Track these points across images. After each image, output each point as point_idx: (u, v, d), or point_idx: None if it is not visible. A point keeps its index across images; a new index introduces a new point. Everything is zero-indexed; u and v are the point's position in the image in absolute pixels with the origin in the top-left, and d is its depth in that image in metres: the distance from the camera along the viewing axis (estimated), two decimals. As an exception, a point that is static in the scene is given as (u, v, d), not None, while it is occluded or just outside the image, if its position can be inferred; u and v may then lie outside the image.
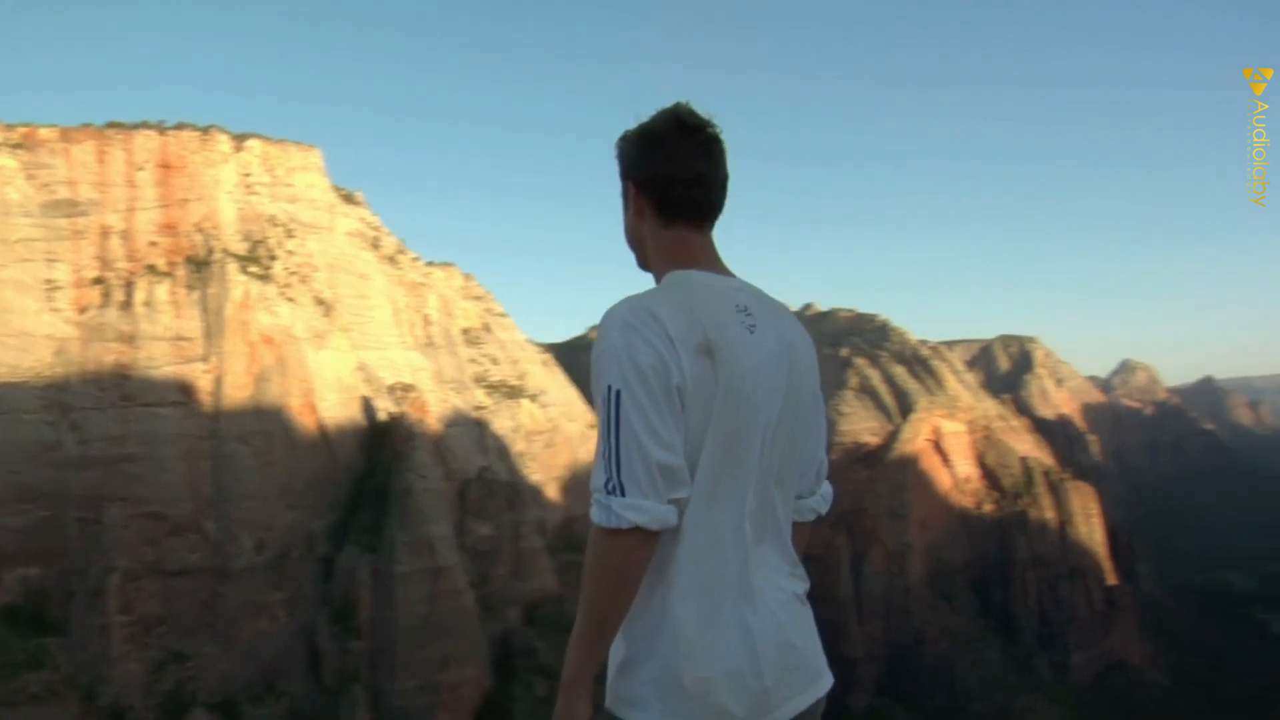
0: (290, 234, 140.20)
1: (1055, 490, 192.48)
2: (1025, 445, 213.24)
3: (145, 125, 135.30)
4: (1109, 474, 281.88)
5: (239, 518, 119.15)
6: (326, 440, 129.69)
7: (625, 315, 4.56)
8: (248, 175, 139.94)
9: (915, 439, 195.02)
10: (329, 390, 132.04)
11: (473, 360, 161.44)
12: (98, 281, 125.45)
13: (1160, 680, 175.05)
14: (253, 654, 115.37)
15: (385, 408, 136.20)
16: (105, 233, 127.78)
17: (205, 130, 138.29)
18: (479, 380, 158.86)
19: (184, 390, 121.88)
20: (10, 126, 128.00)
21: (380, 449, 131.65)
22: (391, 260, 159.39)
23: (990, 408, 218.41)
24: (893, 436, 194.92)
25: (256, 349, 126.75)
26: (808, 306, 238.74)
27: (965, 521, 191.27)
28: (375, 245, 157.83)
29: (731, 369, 4.57)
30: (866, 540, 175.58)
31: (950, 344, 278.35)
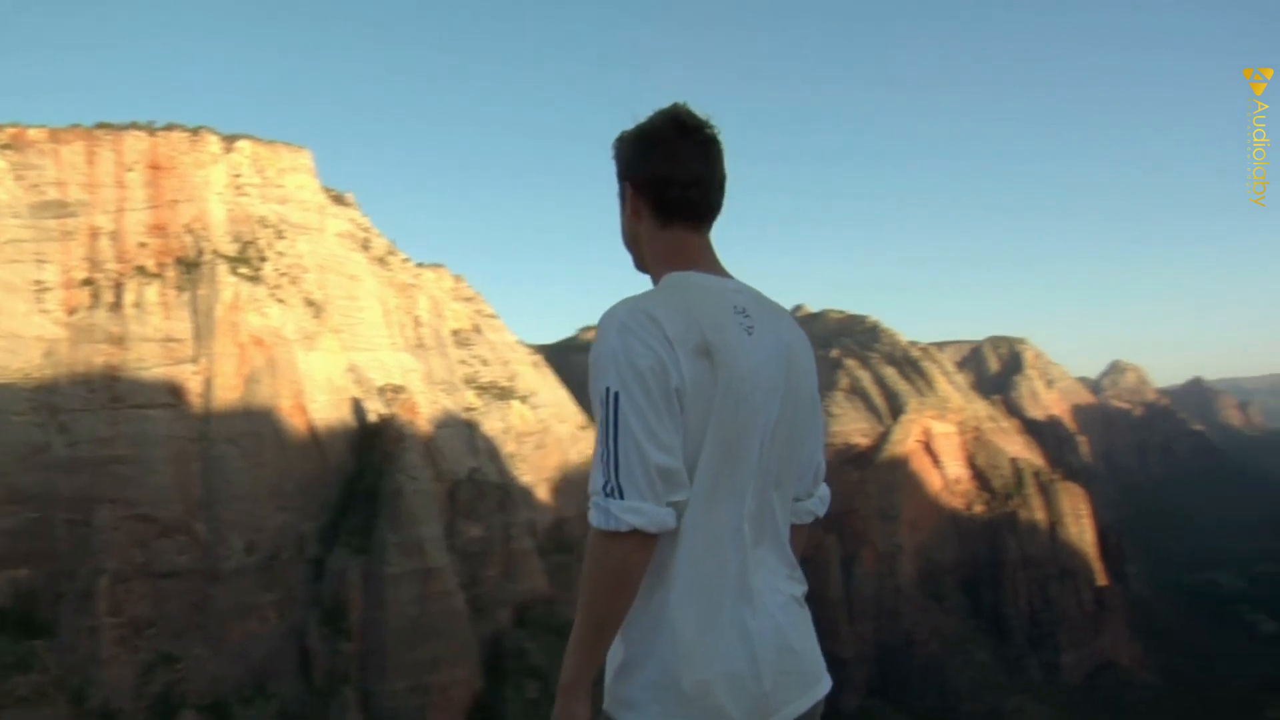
0: (280, 235, 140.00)
1: (1045, 491, 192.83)
2: (1015, 446, 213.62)
3: (135, 126, 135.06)
4: (1099, 475, 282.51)
5: (229, 519, 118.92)
6: (317, 442, 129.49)
7: (623, 317, 4.53)
8: (238, 176, 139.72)
9: (906, 440, 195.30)
10: (319, 391, 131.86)
11: (463, 361, 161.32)
12: (87, 283, 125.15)
13: (1150, 680, 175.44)
14: (243, 656, 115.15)
15: (375, 409, 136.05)
16: (94, 234, 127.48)
17: (195, 131, 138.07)
18: (469, 381, 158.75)
19: (174, 392, 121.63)
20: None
21: (370, 450, 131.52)
22: (382, 261, 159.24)
23: (980, 409, 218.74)
24: (883, 438, 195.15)
25: (246, 350, 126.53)
26: (798, 308, 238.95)
27: (956, 522, 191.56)
28: (365, 246, 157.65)
29: (730, 371, 4.55)
30: (857, 541, 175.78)
31: (940, 345, 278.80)
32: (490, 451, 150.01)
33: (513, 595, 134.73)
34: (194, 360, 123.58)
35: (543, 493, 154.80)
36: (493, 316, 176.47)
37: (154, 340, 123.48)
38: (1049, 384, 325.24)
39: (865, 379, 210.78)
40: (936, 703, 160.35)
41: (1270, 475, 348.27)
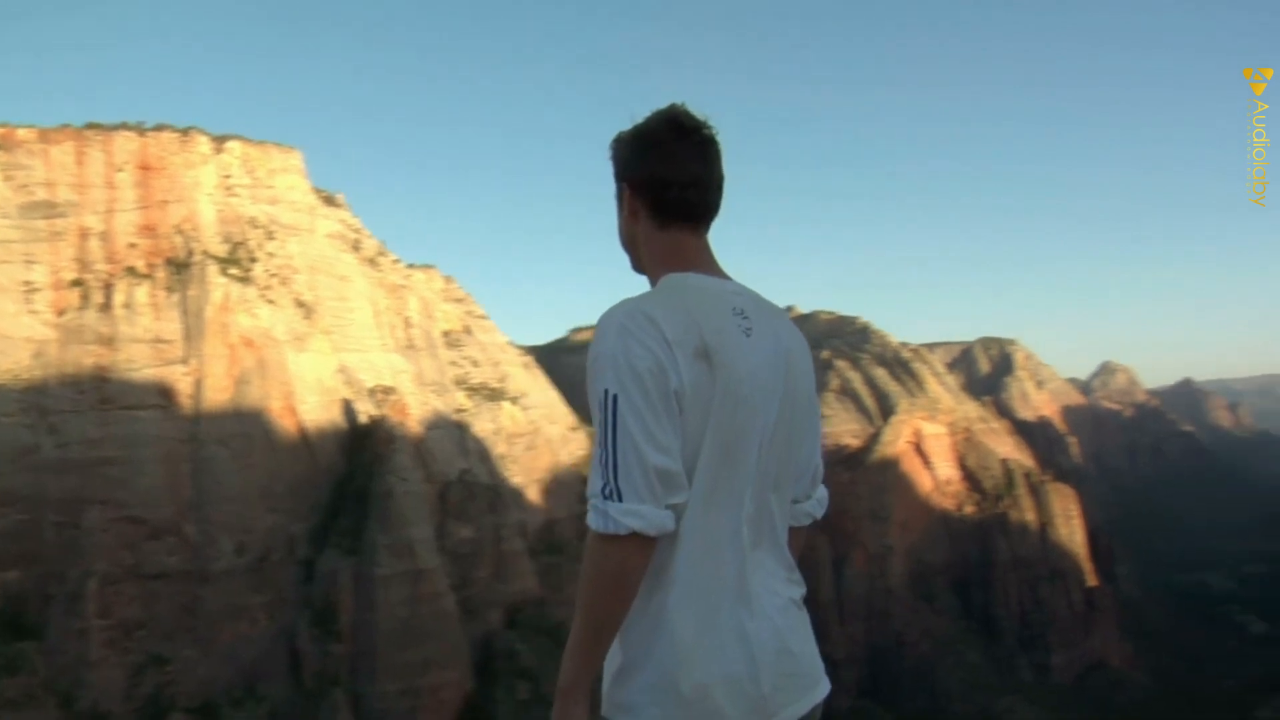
0: (270, 236, 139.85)
1: (1036, 492, 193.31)
2: (1006, 447, 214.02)
3: (124, 126, 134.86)
4: (1089, 476, 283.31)
5: (219, 521, 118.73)
6: (307, 443, 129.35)
7: (621, 319, 4.51)
8: (228, 177, 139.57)
9: (896, 441, 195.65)
10: (309, 393, 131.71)
11: (453, 363, 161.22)
12: (76, 283, 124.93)
13: (1140, 681, 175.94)
14: (233, 657, 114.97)
15: (366, 410, 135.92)
16: (84, 234, 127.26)
17: (185, 131, 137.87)
18: (460, 383, 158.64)
19: (163, 393, 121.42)
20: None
21: (361, 451, 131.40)
22: (372, 262, 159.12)
23: (971, 410, 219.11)
24: (874, 439, 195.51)
25: (237, 351, 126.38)
26: (789, 309, 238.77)
27: (946, 523, 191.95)
28: (356, 247, 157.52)
29: (729, 373, 4.52)
30: (848, 542, 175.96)
31: (931, 346, 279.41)
32: (481, 453, 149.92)
33: (503, 597, 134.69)
34: (184, 361, 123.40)
35: (533, 494, 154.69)
36: (483, 318, 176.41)
37: (144, 341, 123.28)
38: (1039, 385, 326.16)
39: (856, 380, 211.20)
40: (927, 704, 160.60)
41: (1260, 476, 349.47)
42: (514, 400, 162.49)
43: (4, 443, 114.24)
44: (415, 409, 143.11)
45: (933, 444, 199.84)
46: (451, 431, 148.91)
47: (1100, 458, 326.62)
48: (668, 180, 4.92)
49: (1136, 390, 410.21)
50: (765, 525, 4.82)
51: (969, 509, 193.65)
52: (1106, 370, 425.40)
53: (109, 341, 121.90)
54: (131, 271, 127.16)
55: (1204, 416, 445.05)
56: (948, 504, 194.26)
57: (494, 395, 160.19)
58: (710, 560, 4.58)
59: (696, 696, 4.47)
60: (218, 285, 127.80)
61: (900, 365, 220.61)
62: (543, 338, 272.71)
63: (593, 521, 4.40)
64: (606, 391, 4.40)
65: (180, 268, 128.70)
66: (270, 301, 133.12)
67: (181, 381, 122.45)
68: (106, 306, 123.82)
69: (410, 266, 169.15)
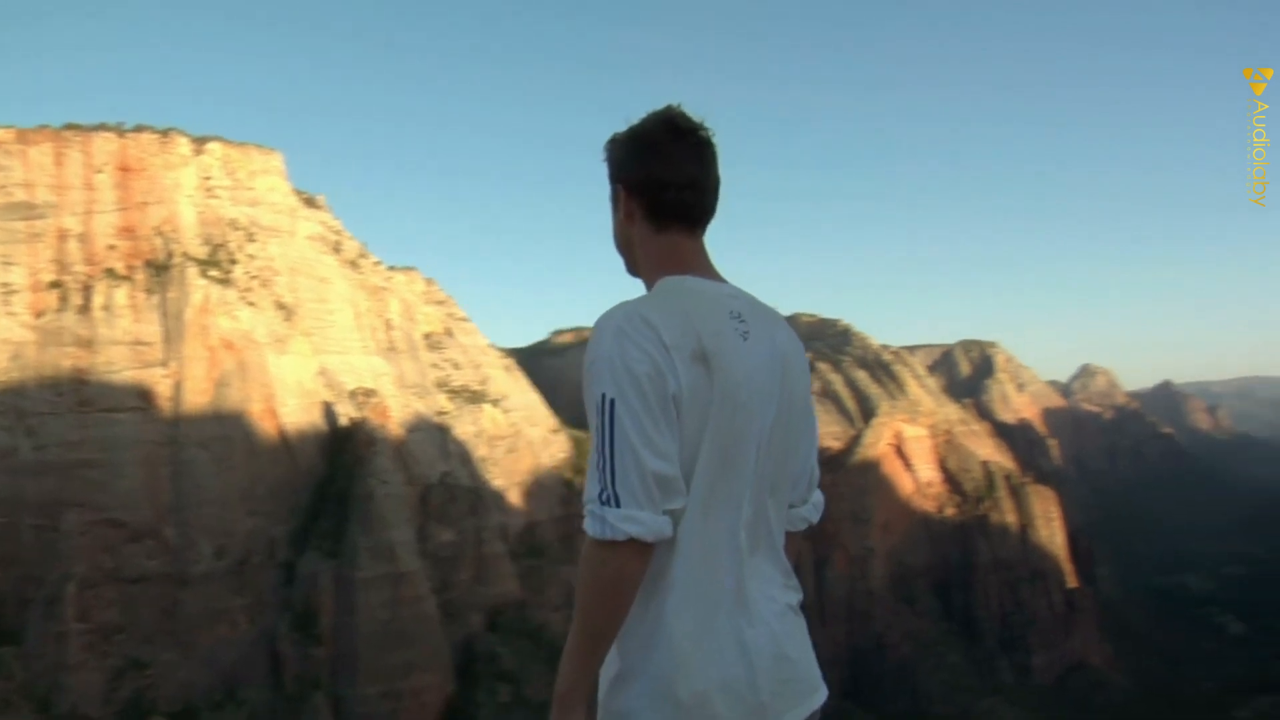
0: (251, 238, 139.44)
1: (1016, 494, 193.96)
2: (986, 449, 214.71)
3: (104, 127, 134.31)
4: (1069, 478, 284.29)
5: (199, 524, 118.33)
6: (287, 445, 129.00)
7: (619, 322, 4.45)
8: (208, 178, 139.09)
9: (877, 443, 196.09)
10: (290, 395, 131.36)
11: (435, 365, 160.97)
12: (55, 285, 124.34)
13: (1120, 681, 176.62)
14: (213, 661, 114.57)
15: (347, 413, 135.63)
16: (63, 236, 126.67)
17: (165, 133, 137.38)
18: (441, 385, 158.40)
19: (143, 395, 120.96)
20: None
21: (342, 454, 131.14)
22: (353, 264, 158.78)
23: (952, 412, 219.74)
24: (855, 441, 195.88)
25: (217, 354, 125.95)
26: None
27: (927, 525, 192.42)
28: (337, 249, 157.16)
29: (727, 376, 4.47)
30: (829, 544, 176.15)
31: (912, 349, 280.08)
32: (462, 455, 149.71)
33: (484, 599, 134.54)
34: (163, 364, 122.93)
35: (514, 497, 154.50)
36: (464, 320, 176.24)
37: (123, 343, 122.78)
38: (1020, 387, 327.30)
39: (837, 382, 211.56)
40: (908, 705, 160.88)
41: (1239, 478, 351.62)
42: (495, 403, 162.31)
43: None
44: (396, 411, 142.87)
45: (914, 446, 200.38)
46: (433, 434, 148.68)
47: (1080, 460, 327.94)
48: (664, 182, 4.87)
49: (1116, 393, 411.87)
50: (762, 530, 4.77)
51: (950, 511, 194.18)
52: (1086, 373, 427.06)
53: (88, 344, 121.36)
54: (111, 273, 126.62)
55: (1183, 419, 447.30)
56: (929, 506, 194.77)
57: (475, 398, 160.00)
58: (708, 566, 4.54)
59: (694, 703, 4.43)
60: (198, 287, 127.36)
61: (881, 367, 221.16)
62: (524, 340, 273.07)
63: (590, 527, 4.34)
64: (604, 396, 4.34)
65: (160, 270, 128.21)
66: (250, 304, 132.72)
67: (161, 384, 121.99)
68: (85, 308, 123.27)
69: (391, 269, 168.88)
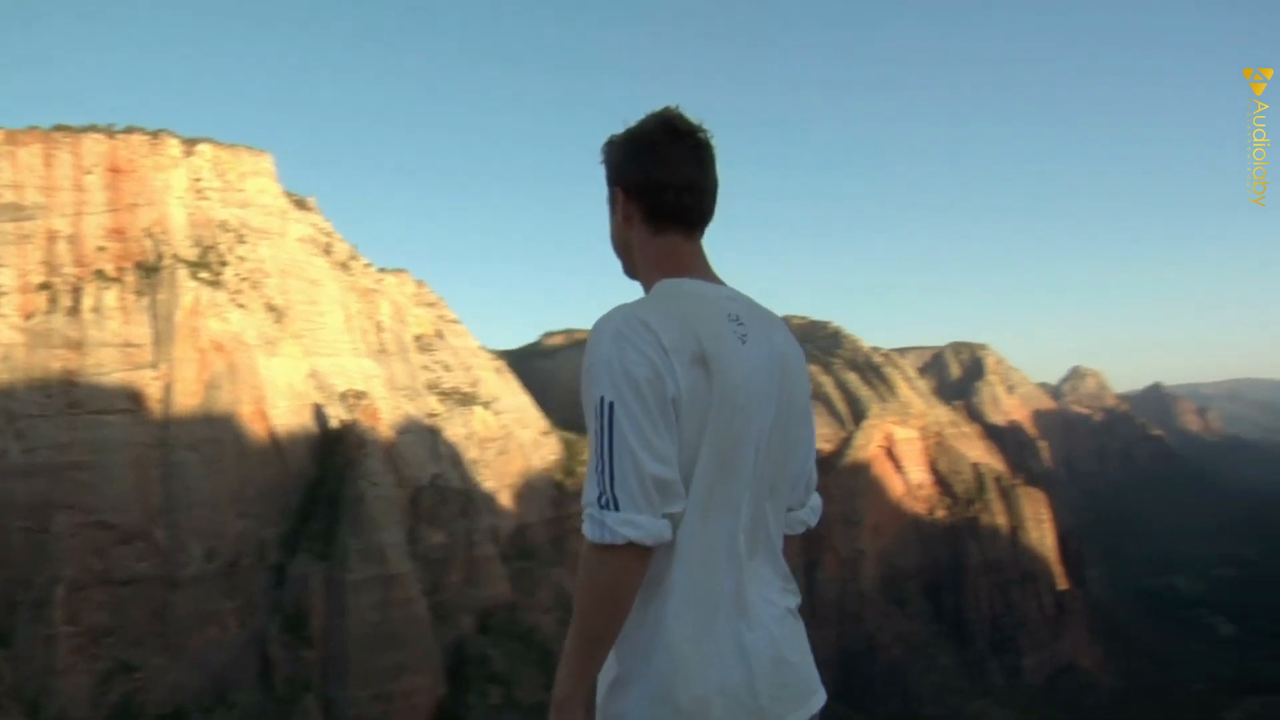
0: (241, 240, 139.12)
1: (1006, 496, 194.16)
2: (977, 451, 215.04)
3: (93, 128, 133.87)
4: (1059, 480, 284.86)
5: (189, 526, 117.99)
6: (278, 447, 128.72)
7: (618, 324, 4.44)
8: (198, 180, 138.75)
9: (868, 445, 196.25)
10: (280, 397, 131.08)
11: (425, 367, 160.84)
12: (44, 287, 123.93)
13: (1110, 683, 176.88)
14: (203, 664, 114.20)
15: (337, 415, 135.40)
16: (52, 237, 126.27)
17: (155, 134, 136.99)
18: (431, 387, 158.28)
19: (133, 397, 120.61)
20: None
21: (332, 456, 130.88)
22: (344, 266, 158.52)
23: (942, 414, 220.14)
24: (846, 443, 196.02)
25: (207, 356, 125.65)
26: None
27: (918, 527, 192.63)
28: (327, 251, 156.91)
29: (725, 379, 4.46)
30: (819, 546, 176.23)
31: (902, 351, 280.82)
32: (453, 457, 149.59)
33: (475, 601, 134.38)
34: (153, 366, 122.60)
35: (505, 499, 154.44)
36: (455, 322, 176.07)
37: (113, 345, 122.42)
38: (1010, 390, 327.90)
39: (828, 384, 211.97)
40: (899, 707, 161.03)
41: (1228, 480, 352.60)
42: (486, 405, 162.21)
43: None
44: (387, 413, 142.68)
45: (904, 448, 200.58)
46: (423, 436, 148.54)
47: (1070, 462, 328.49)
48: (663, 184, 4.86)
49: (1106, 395, 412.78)
50: (761, 534, 4.76)
51: (940, 513, 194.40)
52: (1076, 375, 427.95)
53: (77, 345, 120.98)
54: (100, 275, 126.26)
55: (1173, 421, 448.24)
56: (919, 508, 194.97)
57: (466, 400, 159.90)
58: (707, 570, 4.52)
59: (694, 708, 4.41)
60: (188, 289, 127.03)
61: (872, 370, 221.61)
62: (515, 342, 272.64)
63: (588, 531, 4.33)
64: (602, 399, 4.34)
65: (150, 271, 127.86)
66: (241, 305, 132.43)
67: (151, 386, 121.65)
68: (75, 310, 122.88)
69: (382, 270, 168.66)
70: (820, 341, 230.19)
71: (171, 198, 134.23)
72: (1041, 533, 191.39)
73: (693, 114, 4.97)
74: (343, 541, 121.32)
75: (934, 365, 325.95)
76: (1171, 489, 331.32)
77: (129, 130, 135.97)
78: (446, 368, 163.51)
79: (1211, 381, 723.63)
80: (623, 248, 5.14)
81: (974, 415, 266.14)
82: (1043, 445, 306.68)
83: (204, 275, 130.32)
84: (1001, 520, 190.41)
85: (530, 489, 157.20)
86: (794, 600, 4.93)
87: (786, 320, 5.12)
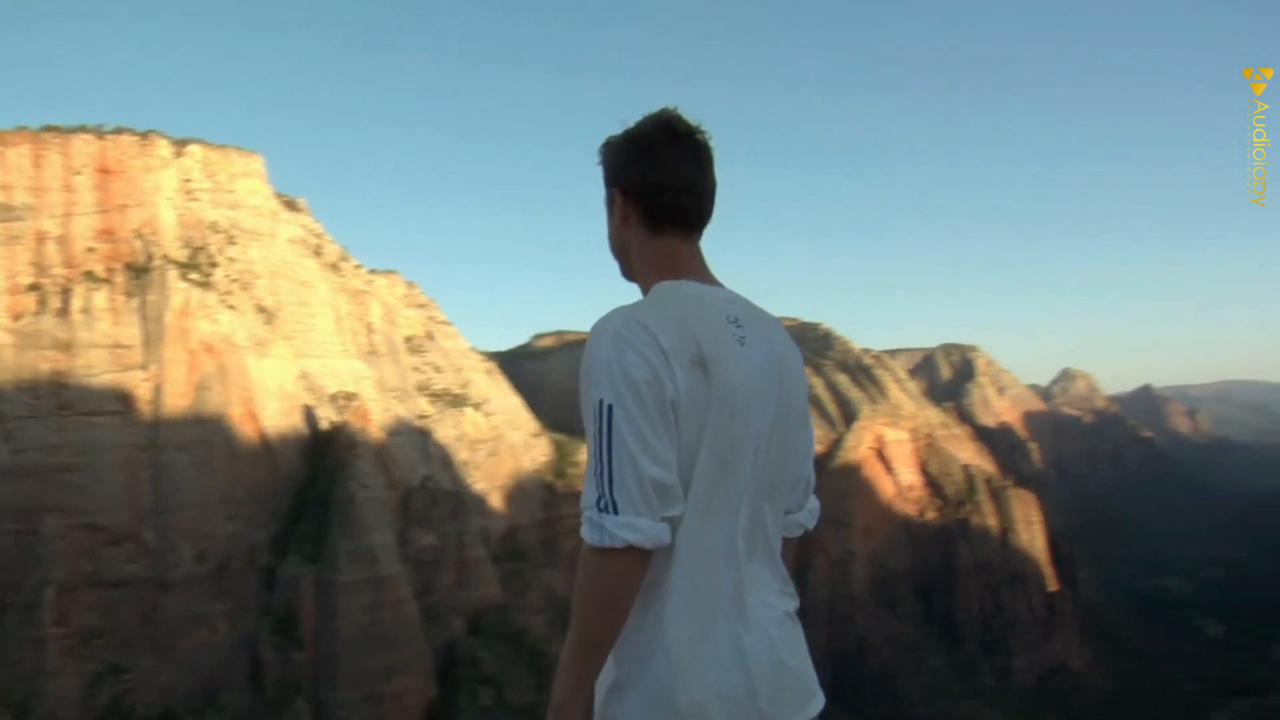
0: (231, 241, 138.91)
1: (997, 498, 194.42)
2: (967, 453, 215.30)
3: (83, 129, 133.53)
4: (1050, 481, 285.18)
5: (179, 528, 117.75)
6: (268, 449, 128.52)
7: (616, 327, 4.41)
8: (188, 181, 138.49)
9: (859, 447, 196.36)
10: (271, 399, 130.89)
11: (416, 369, 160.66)
12: (33, 288, 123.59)
13: (1100, 684, 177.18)
14: (193, 666, 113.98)
15: (328, 416, 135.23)
16: (41, 238, 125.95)
17: (145, 135, 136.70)
18: (422, 389, 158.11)
19: (122, 399, 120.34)
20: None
21: (322, 458, 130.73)
22: (334, 268, 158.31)
23: (933, 416, 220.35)
24: (836, 445, 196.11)
25: (197, 357, 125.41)
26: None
27: (908, 529, 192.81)
28: (318, 252, 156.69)
29: (724, 382, 4.44)
30: (810, 548, 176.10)
31: (893, 353, 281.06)
32: (443, 459, 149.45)
33: (466, 603, 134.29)
34: (143, 367, 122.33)
35: (496, 500, 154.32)
36: (446, 323, 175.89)
37: (102, 346, 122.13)
38: (1000, 391, 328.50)
39: (818, 386, 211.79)
40: (890, 709, 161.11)
41: (1218, 482, 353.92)
42: (476, 406, 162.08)
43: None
44: (377, 415, 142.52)
45: (895, 450, 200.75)
46: (414, 438, 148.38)
47: (1061, 463, 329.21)
48: (661, 185, 4.84)
49: (1096, 397, 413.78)
50: (760, 537, 4.75)
51: (931, 514, 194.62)
52: (1067, 377, 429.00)
53: (67, 347, 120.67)
54: (90, 276, 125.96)
55: (1163, 423, 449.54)
56: (910, 510, 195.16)
57: (456, 401, 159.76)
58: (706, 573, 4.50)
59: (693, 712, 4.39)
60: (178, 290, 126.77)
61: (862, 371, 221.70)
62: (506, 344, 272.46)
63: (587, 535, 4.31)
64: (601, 401, 4.31)
65: (140, 272, 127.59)
66: (231, 307, 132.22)
67: (141, 387, 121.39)
68: (64, 311, 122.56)
69: (372, 272, 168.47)
70: (811, 343, 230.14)
71: (161, 199, 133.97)
72: (1032, 534, 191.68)
73: (690, 115, 4.95)
74: (333, 543, 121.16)
75: (925, 367, 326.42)
76: (1161, 490, 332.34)
77: (118, 131, 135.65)
78: (437, 369, 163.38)
79: (1201, 383, 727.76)
80: (620, 249, 5.11)
81: (964, 417, 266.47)
82: (1033, 447, 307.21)
83: (194, 276, 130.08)
84: (992, 522, 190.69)
85: (521, 491, 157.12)
86: (792, 603, 4.93)
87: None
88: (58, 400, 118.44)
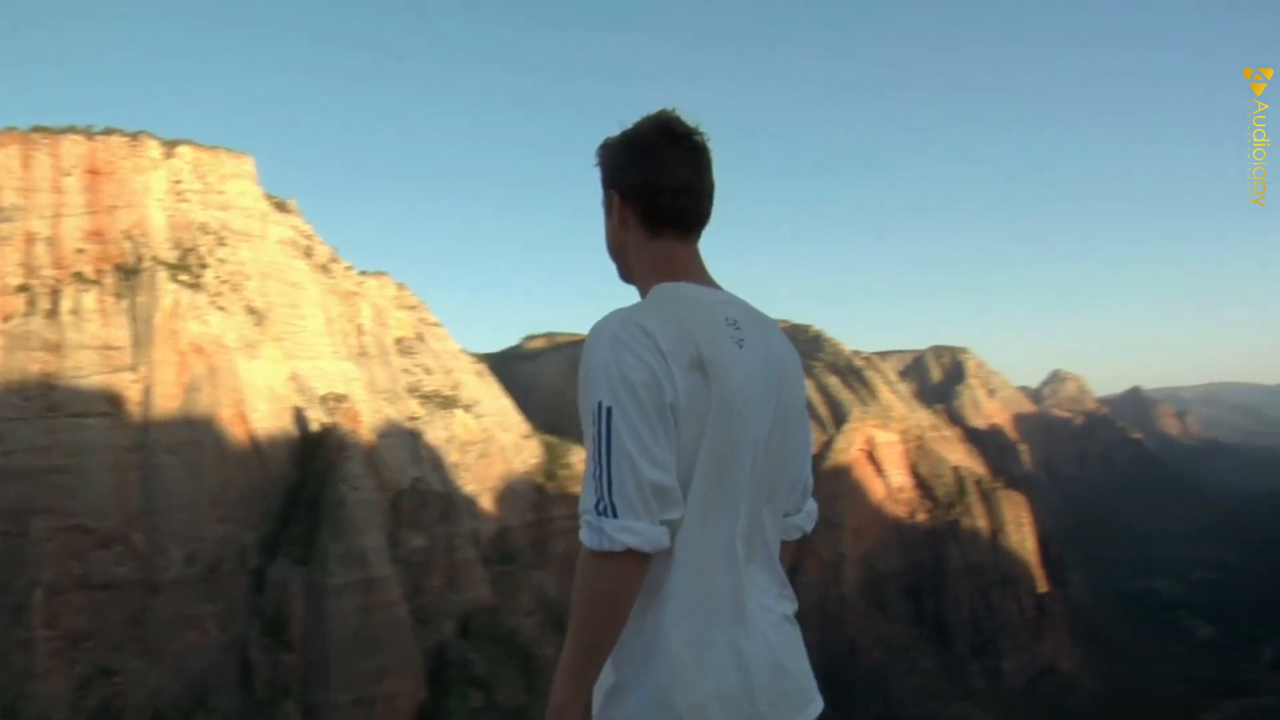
0: (221, 242, 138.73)
1: (987, 499, 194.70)
2: (958, 455, 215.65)
3: (73, 130, 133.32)
4: (1040, 483, 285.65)
5: (168, 530, 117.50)
6: (258, 451, 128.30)
7: (615, 329, 4.38)
8: (178, 182, 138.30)
9: (849, 449, 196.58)
10: (260, 400, 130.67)
11: (406, 370, 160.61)
12: (23, 289, 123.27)
13: (1090, 685, 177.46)
14: (182, 668, 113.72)
15: (318, 418, 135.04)
16: (30, 239, 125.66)
17: (134, 136, 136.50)
18: (412, 390, 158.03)
19: (112, 400, 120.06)
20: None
21: (312, 460, 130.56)
22: (324, 269, 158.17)
23: (923, 418, 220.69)
24: (827, 446, 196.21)
25: (187, 358, 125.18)
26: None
27: (899, 531, 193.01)
28: (308, 254, 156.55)
29: (723, 384, 4.41)
30: (801, 550, 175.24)
31: (883, 354, 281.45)
32: (433, 461, 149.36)
33: (456, 605, 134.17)
34: (133, 368, 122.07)
35: (486, 502, 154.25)
36: (436, 325, 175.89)
37: (92, 348, 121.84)
38: (991, 393, 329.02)
39: (809, 388, 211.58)
40: (881, 710, 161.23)
41: (1207, 484, 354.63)
42: (467, 408, 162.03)
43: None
44: (367, 417, 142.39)
45: (885, 452, 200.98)
46: (404, 439, 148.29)
47: (1051, 465, 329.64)
48: (659, 187, 4.81)
49: (1086, 398, 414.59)
50: (758, 539, 4.72)
51: (921, 516, 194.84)
52: (1057, 378, 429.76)
53: (56, 348, 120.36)
54: (79, 277, 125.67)
55: (1152, 424, 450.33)
56: (900, 511, 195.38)
57: (447, 403, 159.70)
58: (705, 576, 4.47)
59: (692, 716, 4.37)
60: (167, 291, 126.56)
61: (853, 373, 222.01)
62: (496, 345, 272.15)
63: (586, 538, 4.28)
64: (600, 404, 4.28)
65: (129, 274, 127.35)
66: (221, 308, 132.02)
67: (130, 389, 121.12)
68: (53, 313, 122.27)
69: (363, 273, 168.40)
70: (802, 345, 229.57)
71: (151, 200, 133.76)
72: (1022, 536, 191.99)
73: (688, 116, 4.93)
74: (323, 545, 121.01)
75: (915, 369, 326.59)
76: (1151, 492, 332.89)
77: (108, 132, 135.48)
78: (427, 371, 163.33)
79: (1190, 385, 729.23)
80: (618, 251, 5.09)
81: (955, 419, 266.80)
82: (1023, 448, 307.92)
83: (184, 278, 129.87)
84: (982, 523, 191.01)
85: (511, 492, 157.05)
86: (791, 607, 4.89)
87: (770, 324, 5.05)
88: (47, 402, 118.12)
